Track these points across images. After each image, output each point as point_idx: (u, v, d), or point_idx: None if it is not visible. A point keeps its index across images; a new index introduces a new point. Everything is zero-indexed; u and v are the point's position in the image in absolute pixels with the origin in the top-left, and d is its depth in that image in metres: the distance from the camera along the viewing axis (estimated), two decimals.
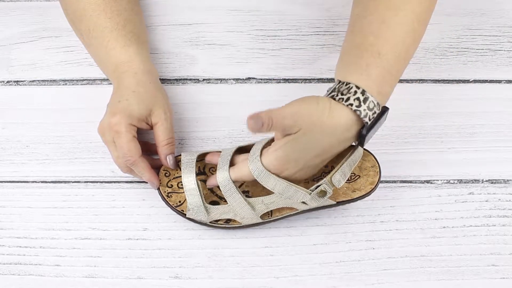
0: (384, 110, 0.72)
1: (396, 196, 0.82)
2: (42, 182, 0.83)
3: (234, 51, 0.91)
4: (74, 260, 0.79)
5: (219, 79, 0.90)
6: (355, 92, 0.69)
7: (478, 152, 0.85)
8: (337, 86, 0.71)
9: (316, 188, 0.73)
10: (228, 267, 0.79)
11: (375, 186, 0.77)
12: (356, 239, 0.80)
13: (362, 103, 0.69)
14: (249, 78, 0.90)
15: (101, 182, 0.83)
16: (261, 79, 0.90)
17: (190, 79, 0.90)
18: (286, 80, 0.89)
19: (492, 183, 0.83)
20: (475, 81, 0.89)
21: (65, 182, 0.83)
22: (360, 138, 0.71)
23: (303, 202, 0.75)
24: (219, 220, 0.78)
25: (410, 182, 0.83)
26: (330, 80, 0.89)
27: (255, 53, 0.91)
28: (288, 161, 0.71)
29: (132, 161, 0.77)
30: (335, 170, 0.73)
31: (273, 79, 0.90)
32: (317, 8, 0.94)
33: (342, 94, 0.70)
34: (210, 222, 0.78)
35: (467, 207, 0.82)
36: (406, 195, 0.83)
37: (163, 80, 0.89)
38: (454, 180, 0.84)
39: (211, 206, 0.77)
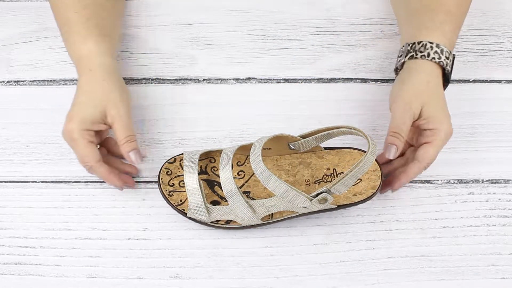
0: (454, 56, 0.80)
1: (396, 196, 0.82)
2: (42, 182, 0.83)
3: (234, 51, 0.91)
4: (74, 260, 0.79)
5: (219, 79, 0.90)
6: (431, 47, 0.78)
7: (478, 152, 0.85)
8: (409, 48, 0.80)
9: (317, 195, 0.73)
10: (228, 267, 0.79)
11: (376, 190, 0.77)
12: (356, 239, 0.80)
13: (440, 54, 0.78)
14: (249, 78, 0.90)
15: (101, 182, 0.83)
16: (261, 79, 0.90)
17: (190, 79, 0.90)
18: (286, 80, 0.89)
19: (492, 183, 0.83)
20: (475, 81, 0.89)
21: (65, 182, 0.83)
22: (446, 84, 0.81)
23: (304, 207, 0.74)
24: (219, 220, 0.78)
25: (410, 182, 0.83)
26: (330, 80, 0.89)
27: (255, 53, 0.91)
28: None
29: (90, 166, 0.77)
30: (337, 180, 0.72)
31: (273, 79, 0.90)
32: (317, 8, 0.94)
33: (421, 52, 0.78)
34: (210, 222, 0.78)
35: (467, 207, 0.82)
36: (406, 195, 0.83)
37: (163, 80, 0.89)
38: (454, 180, 0.84)
39: (212, 206, 0.77)
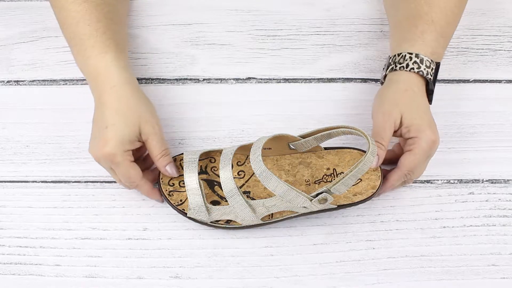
0: (438, 64, 0.80)
1: (396, 196, 0.82)
2: (42, 182, 0.83)
3: (234, 51, 0.91)
4: (74, 260, 0.79)
5: (219, 79, 0.90)
6: (410, 58, 0.79)
7: (478, 152, 0.85)
8: (390, 61, 0.81)
9: (316, 195, 0.73)
10: (228, 267, 0.79)
11: (376, 191, 0.77)
12: (356, 239, 0.80)
13: (420, 64, 0.78)
14: (249, 78, 0.90)
15: (101, 182, 0.83)
16: (261, 79, 0.90)
17: (190, 79, 0.90)
18: (286, 80, 0.90)
19: (492, 183, 0.83)
20: (475, 81, 0.90)
21: (65, 182, 0.83)
22: (429, 94, 0.80)
23: (304, 207, 0.75)
24: (219, 220, 0.78)
25: None
26: (330, 80, 0.89)
27: (255, 53, 0.91)
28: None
29: (135, 185, 0.78)
30: (337, 180, 0.72)
31: (273, 79, 0.90)
32: (317, 8, 0.94)
33: (400, 64, 0.79)
34: (210, 222, 0.78)
35: (467, 207, 0.82)
36: (406, 195, 0.83)
37: (163, 80, 0.89)
38: (454, 180, 0.84)
39: (212, 206, 0.77)
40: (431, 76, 0.79)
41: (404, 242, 0.80)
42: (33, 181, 0.83)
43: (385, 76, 0.82)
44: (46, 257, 0.79)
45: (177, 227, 0.81)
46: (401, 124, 0.77)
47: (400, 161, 0.77)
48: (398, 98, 0.78)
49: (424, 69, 0.79)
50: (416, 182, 0.83)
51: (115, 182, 0.83)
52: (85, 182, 0.83)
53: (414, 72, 0.79)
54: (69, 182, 0.83)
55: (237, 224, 0.78)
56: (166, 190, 0.79)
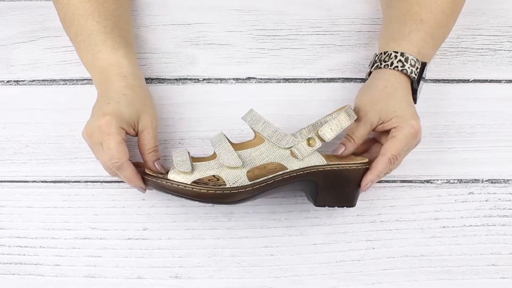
0: (424, 64, 0.80)
1: (396, 196, 0.82)
2: (42, 182, 0.83)
3: (234, 51, 0.91)
4: (74, 260, 0.79)
5: (219, 79, 0.90)
6: (396, 56, 0.79)
7: (478, 152, 0.85)
8: (376, 58, 0.82)
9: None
10: (228, 267, 0.79)
11: (366, 162, 0.76)
12: (356, 239, 0.80)
13: (404, 63, 0.79)
14: (249, 78, 0.90)
15: (101, 182, 0.83)
16: (261, 79, 0.90)
17: (190, 79, 0.90)
18: (286, 80, 0.89)
19: (492, 183, 0.83)
20: (475, 81, 0.89)
21: (65, 182, 0.83)
22: (413, 93, 0.81)
23: (293, 156, 0.74)
24: (202, 180, 0.74)
25: (410, 182, 0.83)
26: (330, 80, 0.89)
27: (255, 53, 0.91)
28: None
29: (119, 165, 0.74)
30: (324, 125, 0.74)
31: (273, 79, 0.90)
32: (317, 8, 0.94)
33: (384, 62, 0.80)
34: (192, 183, 0.73)
35: (467, 207, 0.82)
36: (406, 195, 0.83)
37: (163, 80, 0.89)
38: (454, 180, 0.84)
39: (197, 163, 0.75)
40: (415, 75, 0.79)
41: (404, 242, 0.80)
42: (33, 181, 0.83)
43: (370, 74, 0.82)
44: (46, 257, 0.79)
45: (177, 227, 0.81)
46: (381, 121, 0.77)
47: (384, 147, 0.76)
48: (376, 97, 0.78)
49: (409, 67, 0.79)
50: (416, 182, 0.83)
51: (115, 182, 0.83)
52: (85, 182, 0.83)
53: (398, 70, 0.79)
54: (69, 182, 0.83)
55: (222, 186, 0.73)
56: (149, 172, 0.76)
